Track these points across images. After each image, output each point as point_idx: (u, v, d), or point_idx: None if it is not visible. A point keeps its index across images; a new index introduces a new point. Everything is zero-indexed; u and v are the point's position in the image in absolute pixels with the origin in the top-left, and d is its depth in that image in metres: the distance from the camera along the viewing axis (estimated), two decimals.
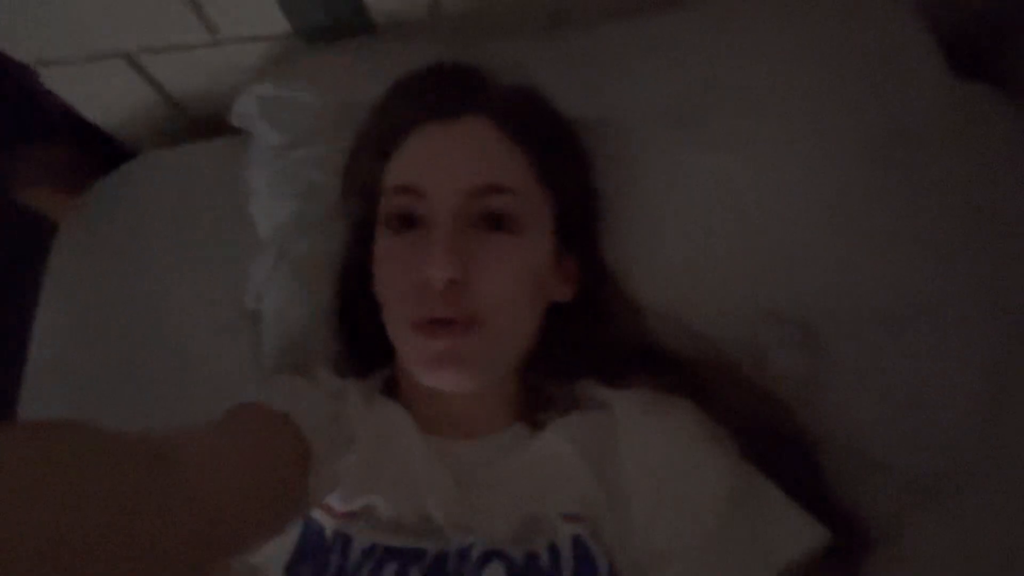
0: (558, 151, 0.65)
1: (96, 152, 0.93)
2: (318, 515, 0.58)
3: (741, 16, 0.70)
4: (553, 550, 0.55)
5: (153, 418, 0.50)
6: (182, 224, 0.82)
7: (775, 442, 0.62)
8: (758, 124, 0.66)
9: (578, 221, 0.66)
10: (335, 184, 0.72)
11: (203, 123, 0.92)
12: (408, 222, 0.59)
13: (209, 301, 0.78)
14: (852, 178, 0.64)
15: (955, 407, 0.61)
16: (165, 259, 0.81)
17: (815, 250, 0.64)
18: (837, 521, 0.58)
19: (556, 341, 0.65)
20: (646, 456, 0.57)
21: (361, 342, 0.70)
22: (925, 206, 0.64)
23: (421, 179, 0.59)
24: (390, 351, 0.67)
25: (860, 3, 0.68)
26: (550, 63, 0.71)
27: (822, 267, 0.64)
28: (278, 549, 0.58)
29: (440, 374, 0.58)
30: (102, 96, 0.86)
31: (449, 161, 0.59)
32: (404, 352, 0.61)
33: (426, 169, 0.59)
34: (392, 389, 0.68)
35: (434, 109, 0.61)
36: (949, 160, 0.65)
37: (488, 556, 0.54)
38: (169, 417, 0.47)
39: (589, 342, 0.65)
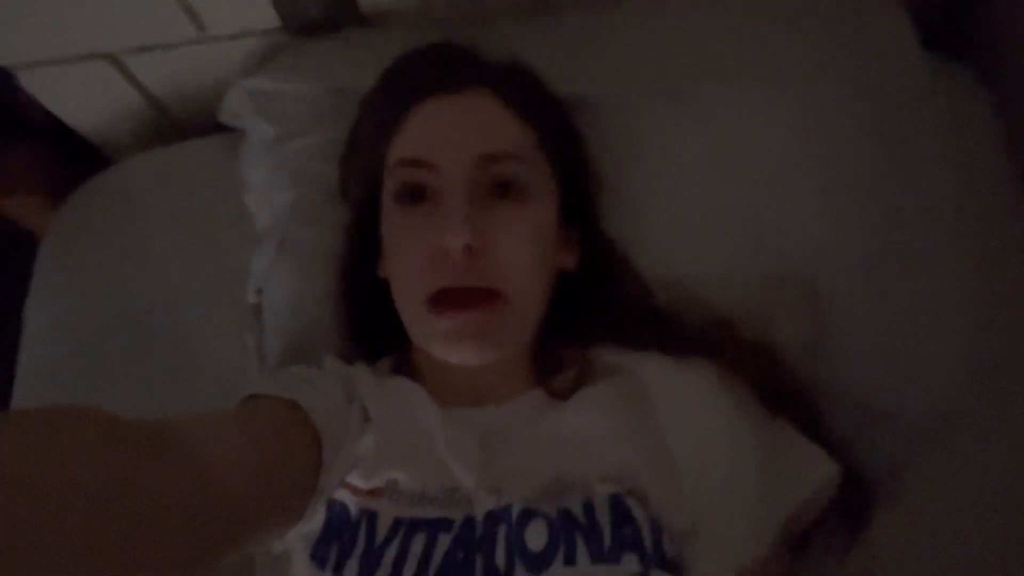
0: (557, 126, 0.67)
1: (76, 157, 0.91)
2: (342, 495, 0.58)
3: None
4: (588, 506, 0.55)
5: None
6: (176, 224, 0.81)
7: (779, 399, 0.64)
8: (747, 93, 0.69)
9: (578, 192, 0.67)
10: (332, 172, 0.72)
11: (186, 123, 0.91)
12: (417, 195, 0.60)
13: (209, 298, 0.78)
14: (838, 138, 0.67)
15: (943, 343, 0.64)
16: (161, 258, 0.80)
17: (809, 207, 0.67)
18: (843, 473, 0.61)
19: (566, 308, 0.66)
20: (684, 418, 0.59)
21: (368, 327, 0.70)
22: (906, 166, 0.68)
23: (430, 151, 0.60)
24: (398, 334, 0.67)
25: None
26: (541, 46, 0.73)
27: (817, 223, 0.67)
28: (303, 533, 0.57)
29: (461, 350, 0.58)
30: (83, 98, 0.85)
31: (457, 131, 0.60)
32: (419, 331, 0.61)
33: (435, 141, 0.60)
34: (403, 369, 0.68)
35: (435, 84, 0.62)
36: (921, 120, 0.69)
37: (527, 514, 0.54)
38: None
39: (598, 308, 0.66)
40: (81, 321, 0.79)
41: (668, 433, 0.59)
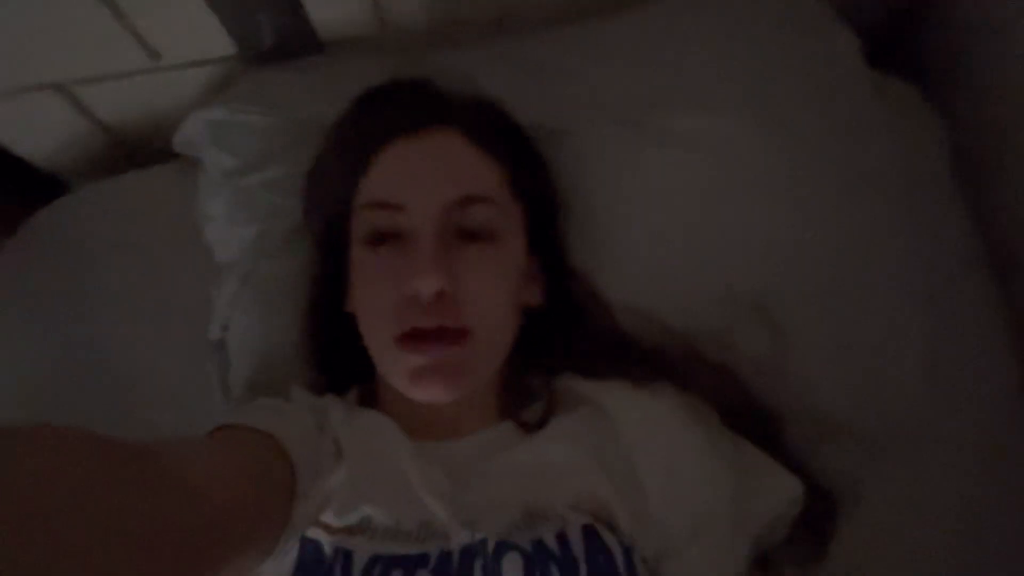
0: (524, 159, 0.67)
1: (24, 189, 0.89)
2: (315, 533, 0.58)
3: (684, 21, 0.74)
4: (562, 537, 0.55)
5: None
6: (127, 255, 0.80)
7: (741, 420, 0.65)
8: (708, 121, 0.70)
9: (544, 226, 0.68)
10: (294, 205, 0.72)
11: (140, 151, 0.89)
12: (385, 237, 0.60)
13: (162, 331, 0.76)
14: (795, 164, 0.69)
15: (902, 364, 0.66)
16: (112, 291, 0.78)
17: (766, 232, 0.68)
18: (806, 486, 0.63)
19: (533, 339, 0.66)
20: (652, 445, 0.59)
21: (334, 359, 0.70)
22: (857, 186, 0.70)
23: (400, 194, 0.60)
24: (365, 367, 0.67)
25: (792, 8, 0.74)
26: (501, 72, 0.73)
27: (774, 247, 0.68)
28: (276, 573, 0.57)
29: (427, 387, 0.58)
30: (33, 128, 0.83)
31: (427, 175, 0.60)
32: (387, 367, 0.61)
33: (404, 184, 0.60)
34: (370, 402, 0.68)
35: (402, 125, 0.62)
36: (875, 144, 0.71)
37: (503, 547, 0.54)
38: None
39: (564, 339, 0.67)
40: (30, 356, 0.77)
41: (636, 460, 0.59)
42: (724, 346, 0.67)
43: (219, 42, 0.76)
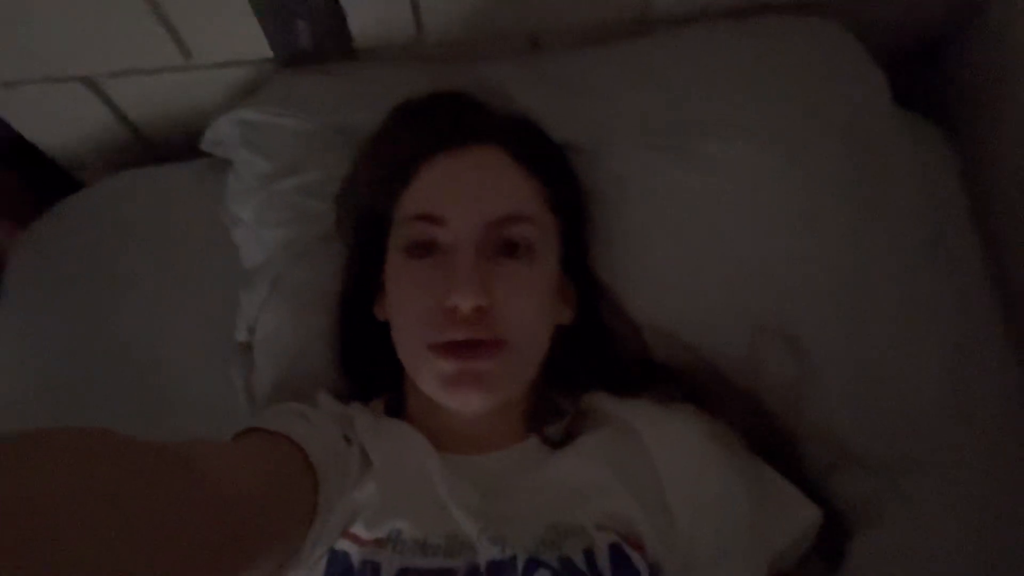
0: (561, 177, 0.68)
1: (44, 182, 0.88)
2: (343, 545, 0.58)
3: (717, 47, 0.75)
4: (589, 555, 0.56)
5: None
6: (150, 248, 0.79)
7: (762, 443, 0.67)
8: (737, 147, 0.71)
9: (576, 244, 0.69)
10: (325, 211, 0.72)
11: (161, 148, 0.89)
12: (426, 248, 0.60)
13: (184, 329, 0.76)
14: (819, 197, 0.70)
15: (921, 391, 0.68)
16: (134, 284, 0.77)
17: (789, 260, 0.69)
18: (822, 510, 0.64)
19: (562, 359, 0.67)
20: (677, 464, 0.60)
21: (363, 366, 0.70)
22: (879, 222, 0.71)
23: (442, 208, 0.60)
24: (393, 375, 0.67)
25: (827, 42, 0.75)
26: (534, 89, 0.74)
27: (797, 276, 0.69)
28: None
29: (460, 395, 0.59)
30: (56, 120, 0.82)
31: (469, 190, 0.61)
32: (420, 374, 0.61)
33: (447, 199, 0.61)
34: (397, 412, 0.68)
35: (446, 139, 0.63)
36: (894, 174, 0.73)
37: (533, 564, 0.55)
38: None
39: (593, 359, 0.68)
40: (50, 350, 0.76)
41: (663, 479, 0.60)
42: (748, 370, 0.68)
43: (254, 44, 0.76)
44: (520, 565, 0.55)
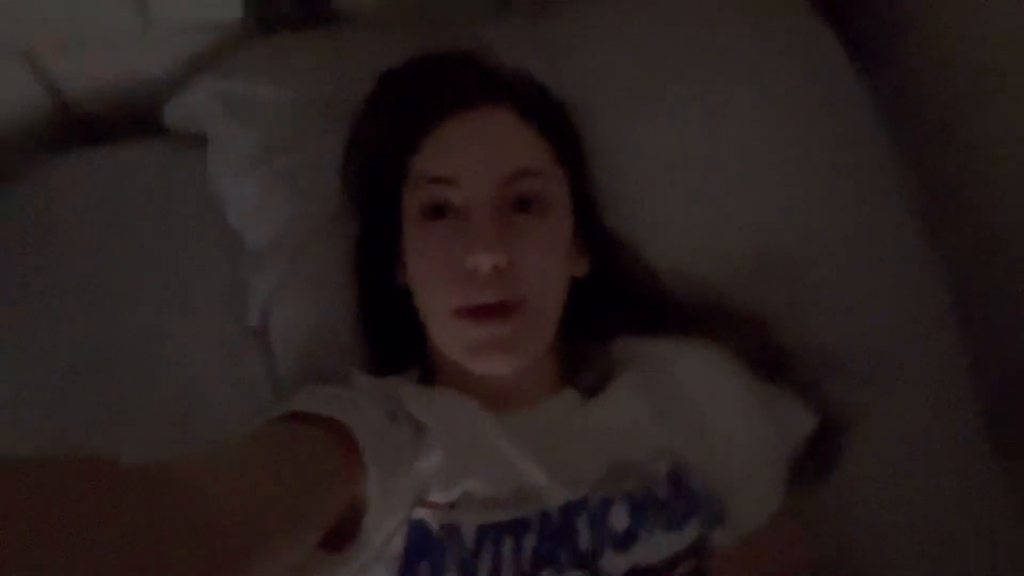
0: (566, 131, 0.70)
1: None
2: (419, 513, 0.58)
3: (683, 5, 0.80)
4: (648, 485, 0.60)
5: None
6: (120, 234, 0.72)
7: (766, 365, 0.74)
8: (704, 94, 0.77)
9: (586, 196, 0.71)
10: (331, 184, 0.69)
11: (101, 126, 0.80)
12: (441, 211, 0.61)
13: (179, 316, 0.70)
14: (786, 133, 0.78)
15: (896, 296, 0.78)
16: (109, 274, 0.70)
17: (768, 193, 0.76)
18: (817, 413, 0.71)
19: (584, 307, 0.70)
20: (709, 392, 0.65)
21: (389, 338, 0.69)
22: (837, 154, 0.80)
23: (456, 169, 0.60)
24: (419, 344, 0.67)
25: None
26: (519, 49, 0.74)
27: (781, 205, 0.76)
28: (383, 556, 0.56)
29: (486, 359, 0.60)
30: None
31: (482, 150, 0.61)
32: (445, 339, 0.62)
33: (460, 159, 0.61)
34: (431, 380, 0.68)
35: (455, 102, 0.62)
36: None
37: (607, 501, 0.58)
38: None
39: (614, 304, 0.71)
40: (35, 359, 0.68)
41: (699, 406, 0.65)
42: (749, 298, 0.74)
43: (223, 5, 0.70)
44: (596, 503, 0.59)
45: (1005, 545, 0.74)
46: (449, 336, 0.61)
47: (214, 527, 0.40)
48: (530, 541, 0.57)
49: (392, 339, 0.69)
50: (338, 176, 0.69)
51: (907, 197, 0.83)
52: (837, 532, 0.72)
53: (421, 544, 0.57)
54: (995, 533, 0.75)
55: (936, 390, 0.78)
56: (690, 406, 0.65)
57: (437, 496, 0.58)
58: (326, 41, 0.73)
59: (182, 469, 0.41)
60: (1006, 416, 0.82)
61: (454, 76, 0.66)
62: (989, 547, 0.75)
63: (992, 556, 0.74)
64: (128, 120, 0.79)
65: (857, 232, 0.78)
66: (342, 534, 0.52)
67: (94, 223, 0.72)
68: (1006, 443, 0.80)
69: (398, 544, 0.57)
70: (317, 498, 0.50)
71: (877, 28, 0.94)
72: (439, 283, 0.60)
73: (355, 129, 0.68)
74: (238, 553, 0.42)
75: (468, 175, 0.60)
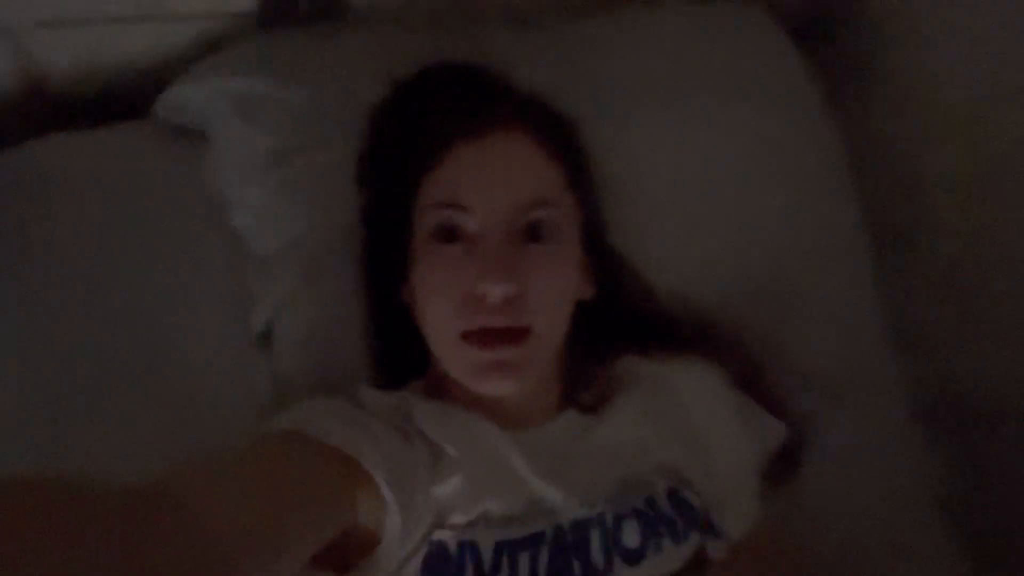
0: (577, 153, 0.70)
1: None
2: (440, 534, 0.58)
3: (658, 25, 0.83)
4: (652, 501, 0.63)
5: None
6: (114, 222, 0.68)
7: (747, 381, 0.78)
8: (664, 114, 0.79)
9: (595, 221, 0.72)
10: (346, 192, 0.68)
11: (78, 111, 0.74)
12: (452, 234, 0.61)
13: (181, 313, 0.67)
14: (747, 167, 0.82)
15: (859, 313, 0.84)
16: (109, 263, 0.66)
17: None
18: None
19: (587, 327, 0.71)
20: (707, 409, 0.69)
21: (396, 351, 0.69)
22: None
23: (469, 197, 0.60)
24: (419, 359, 0.67)
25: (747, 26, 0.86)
26: (531, 57, 0.75)
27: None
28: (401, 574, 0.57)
29: (491, 382, 0.61)
30: None
31: (495, 178, 0.61)
32: (449, 361, 0.62)
33: (472, 187, 0.61)
34: (438, 395, 0.68)
35: (469, 127, 0.62)
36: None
37: (619, 517, 0.61)
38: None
39: (618, 325, 0.73)
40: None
41: (701, 425, 0.68)
42: (735, 318, 0.78)
43: None
44: (609, 520, 0.62)
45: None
46: (453, 358, 0.61)
47: (207, 549, 0.40)
48: (544, 556, 0.59)
49: (400, 352, 0.69)
50: (351, 184, 0.68)
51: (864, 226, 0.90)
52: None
53: (439, 563, 0.57)
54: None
55: (876, 402, 0.85)
56: (691, 424, 0.68)
57: (456, 518, 0.59)
58: (337, 39, 0.71)
59: (178, 488, 0.41)
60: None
61: (469, 96, 0.65)
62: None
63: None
64: (104, 104, 0.73)
65: (818, 255, 0.83)
66: (356, 556, 0.53)
67: (90, 214, 0.68)
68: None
69: (415, 563, 0.57)
70: (311, 518, 0.50)
71: (845, 60, 1.00)
72: (447, 306, 0.60)
73: (367, 142, 0.67)
74: (229, 572, 0.42)
75: (482, 203, 0.60)
